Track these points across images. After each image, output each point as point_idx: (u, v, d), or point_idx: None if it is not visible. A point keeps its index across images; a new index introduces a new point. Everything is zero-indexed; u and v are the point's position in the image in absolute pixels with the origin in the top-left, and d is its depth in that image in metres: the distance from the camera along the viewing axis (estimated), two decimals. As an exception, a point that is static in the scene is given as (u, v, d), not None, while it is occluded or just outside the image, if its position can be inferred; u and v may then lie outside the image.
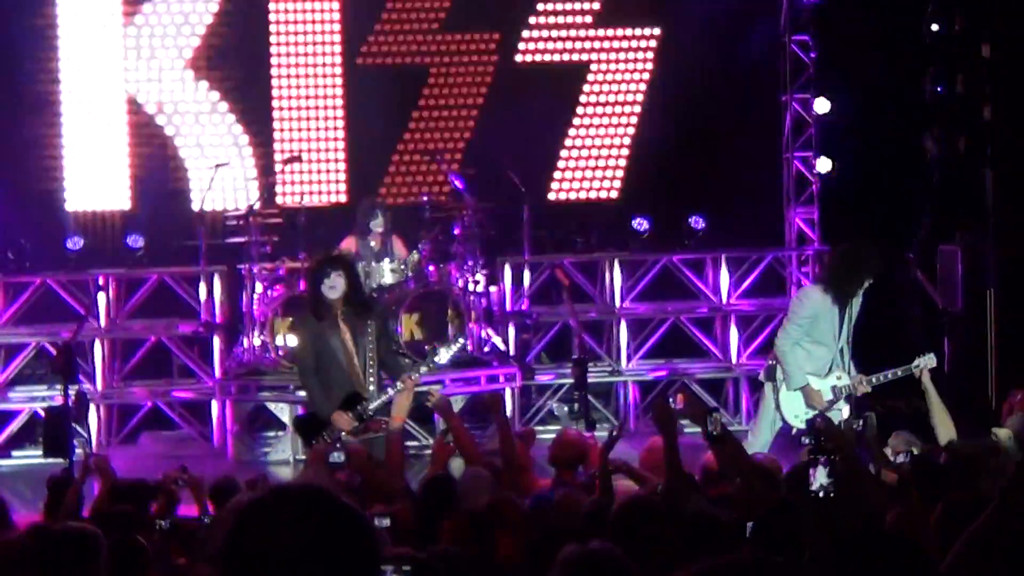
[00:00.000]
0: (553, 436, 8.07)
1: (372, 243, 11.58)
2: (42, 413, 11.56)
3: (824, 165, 13.42)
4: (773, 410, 8.63)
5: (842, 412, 8.48)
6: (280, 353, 11.52)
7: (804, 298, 8.78)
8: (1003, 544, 4.04)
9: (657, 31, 13.62)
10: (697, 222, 13.04)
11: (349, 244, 11.56)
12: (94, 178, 13.33)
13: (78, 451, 10.14)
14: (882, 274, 8.70)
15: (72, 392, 10.71)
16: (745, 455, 6.51)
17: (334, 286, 7.80)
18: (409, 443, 10.63)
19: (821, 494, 5.48)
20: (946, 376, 11.61)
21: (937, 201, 12.53)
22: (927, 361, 8.52)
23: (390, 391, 7.74)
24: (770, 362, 8.77)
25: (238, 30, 13.33)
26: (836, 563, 3.55)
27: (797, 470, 6.08)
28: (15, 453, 11.95)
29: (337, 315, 7.88)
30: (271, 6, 13.36)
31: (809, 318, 8.52)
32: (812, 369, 8.50)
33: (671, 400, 6.97)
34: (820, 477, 5.52)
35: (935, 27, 12.10)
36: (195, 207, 13.12)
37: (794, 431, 8.53)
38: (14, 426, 11.95)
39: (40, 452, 11.61)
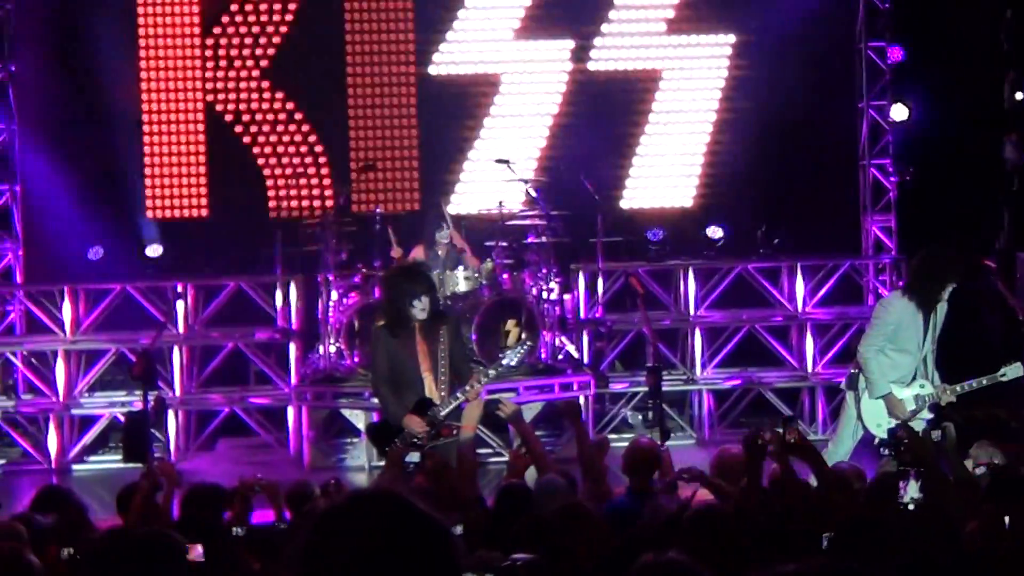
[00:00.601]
0: (626, 445, 8.02)
1: (440, 252, 11.64)
2: (122, 419, 11.70)
3: (902, 173, 13.26)
4: (855, 419, 8.50)
5: (923, 422, 8.37)
6: (355, 360, 11.57)
7: (887, 305, 8.65)
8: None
9: (731, 38, 13.55)
10: (772, 230, 12.96)
11: (418, 252, 11.62)
12: (173, 186, 13.51)
13: (157, 456, 10.26)
14: (964, 280, 8.54)
15: (151, 398, 10.83)
16: (824, 464, 6.43)
17: (424, 308, 7.84)
18: (482, 450, 10.66)
19: (911, 507, 5.40)
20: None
21: (1016, 208, 12.35)
22: (1014, 370, 8.38)
23: (460, 396, 7.76)
24: (852, 370, 8.64)
25: (314, 40, 13.46)
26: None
27: (879, 481, 6.00)
28: (94, 458, 12.10)
29: (415, 324, 7.91)
30: (346, 16, 13.47)
31: (893, 325, 8.38)
32: (895, 377, 8.36)
33: (783, 433, 6.77)
34: (912, 490, 5.44)
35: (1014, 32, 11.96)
36: (272, 215, 13.25)
37: (876, 440, 8.41)
38: (94, 432, 12.08)
39: (118, 457, 11.80)
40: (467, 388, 7.68)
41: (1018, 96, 12.22)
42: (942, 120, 12.99)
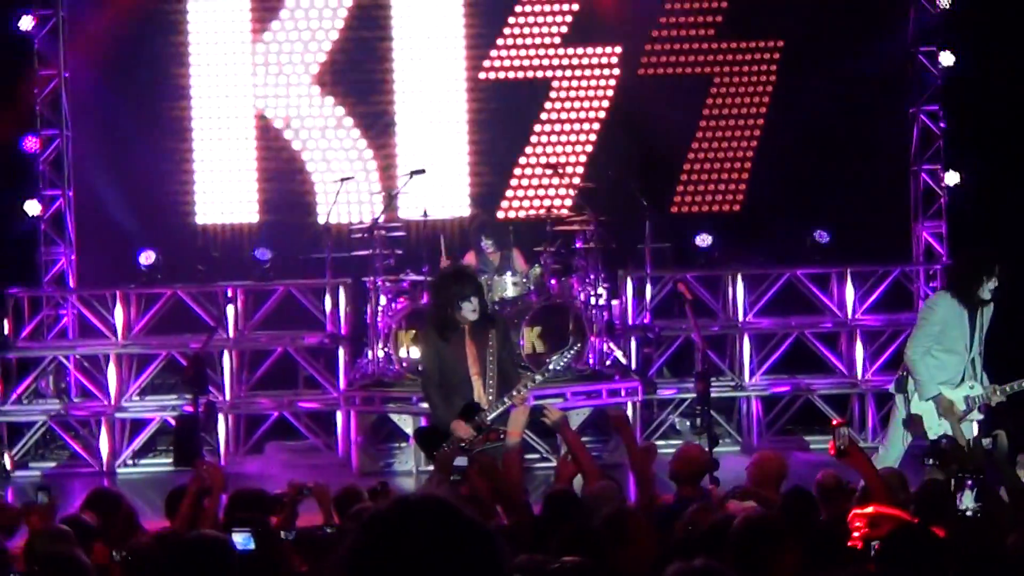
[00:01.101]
0: (674, 451, 8.00)
1: (489, 258, 11.68)
2: (172, 422, 11.78)
3: (952, 178, 13.18)
4: (902, 422, 8.44)
5: (974, 423, 8.30)
6: (404, 365, 11.61)
7: (932, 305, 8.58)
8: None
9: (780, 43, 13.50)
10: (822, 236, 12.88)
11: (470, 259, 11.69)
12: (223, 192, 13.60)
13: (207, 458, 10.29)
14: (1004, 275, 8.43)
15: (202, 402, 10.90)
16: (874, 471, 6.39)
17: (475, 309, 7.84)
18: (529, 456, 10.67)
19: (969, 514, 5.35)
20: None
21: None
22: None
23: (507, 401, 7.75)
24: (901, 373, 8.58)
25: (363, 45, 13.51)
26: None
27: (926, 489, 5.95)
28: (144, 461, 12.20)
29: (464, 327, 7.92)
30: (395, 22, 13.51)
31: (939, 325, 8.32)
32: (944, 378, 8.28)
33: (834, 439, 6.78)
34: (967, 499, 5.39)
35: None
36: (321, 220, 13.31)
37: (922, 452, 8.34)
38: (144, 435, 12.17)
39: (168, 460, 11.88)
40: (514, 393, 7.67)
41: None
42: (993, 125, 12.86)
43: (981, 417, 8.32)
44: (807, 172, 13.21)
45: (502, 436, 7.75)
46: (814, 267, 12.75)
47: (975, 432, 8.22)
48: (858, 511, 5.62)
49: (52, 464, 12.20)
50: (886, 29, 13.34)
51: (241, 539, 5.61)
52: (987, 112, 12.89)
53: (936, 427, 8.21)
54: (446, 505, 2.15)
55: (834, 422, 6.44)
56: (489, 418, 7.74)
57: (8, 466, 11.78)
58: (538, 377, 7.97)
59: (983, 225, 12.87)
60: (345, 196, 13.36)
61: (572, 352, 8.70)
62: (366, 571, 2.12)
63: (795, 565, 4.54)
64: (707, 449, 8.61)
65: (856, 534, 5.30)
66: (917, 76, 13.33)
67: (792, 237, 13.03)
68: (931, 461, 6.78)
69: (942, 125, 13.27)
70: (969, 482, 5.46)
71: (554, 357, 8.21)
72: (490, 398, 7.81)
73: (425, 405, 10.84)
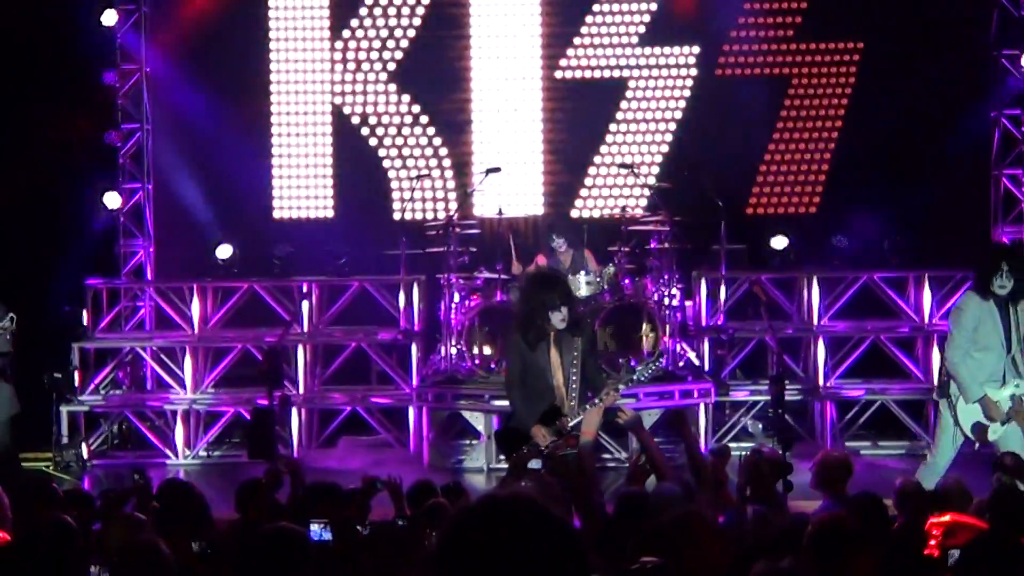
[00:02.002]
0: (745, 453, 7.95)
1: (561, 258, 11.71)
2: (246, 415, 11.90)
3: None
4: (952, 426, 8.39)
5: (1020, 418, 8.21)
6: (476, 362, 11.65)
7: (962, 306, 8.55)
8: None
9: (860, 45, 13.40)
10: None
11: (541, 260, 11.72)
12: (300, 188, 13.72)
13: (281, 451, 10.38)
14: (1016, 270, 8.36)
15: (276, 396, 11.00)
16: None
17: (564, 318, 7.85)
18: (603, 455, 10.68)
19: None
20: None
21: None
22: None
23: (590, 408, 7.74)
24: (943, 379, 8.55)
25: (440, 43, 13.56)
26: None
27: (1002, 498, 5.90)
28: (217, 453, 12.33)
29: (551, 334, 7.91)
30: (473, 20, 13.56)
31: (972, 324, 8.30)
32: (985, 377, 8.25)
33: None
34: None
35: None
36: (396, 216, 13.40)
37: (976, 446, 8.31)
38: (219, 427, 12.30)
39: (238, 452, 11.98)
40: (597, 401, 7.68)
41: None
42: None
43: None
44: (885, 175, 13.11)
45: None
46: (891, 271, 12.63)
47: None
48: (935, 519, 5.59)
49: (127, 454, 12.32)
50: (968, 31, 13.19)
51: (318, 531, 5.69)
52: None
53: (993, 429, 8.19)
54: (534, 504, 2.18)
55: None
56: (570, 424, 7.74)
57: (85, 454, 11.97)
58: (621, 386, 7.96)
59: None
60: (420, 193, 13.45)
61: (657, 364, 8.75)
62: (456, 566, 2.15)
63: (871, 569, 4.52)
64: (781, 453, 8.56)
65: (933, 542, 5.28)
66: (999, 79, 13.18)
67: (870, 240, 12.92)
68: (1001, 477, 6.74)
69: (1024, 129, 13.11)
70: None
71: (639, 368, 8.24)
72: (572, 404, 7.81)
73: (497, 403, 10.93)
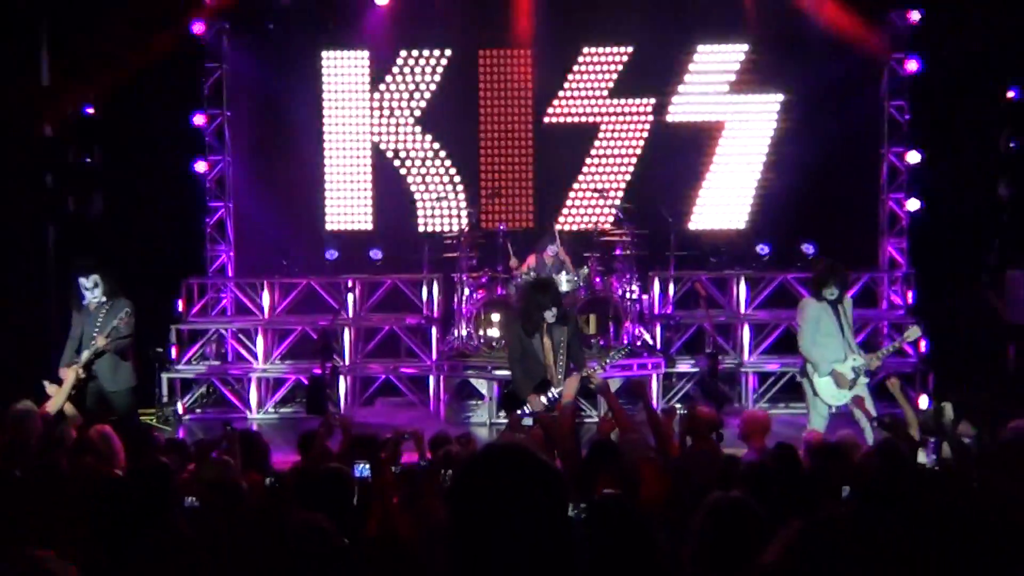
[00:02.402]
0: (685, 412, 7.96)
1: (547, 261, 11.71)
2: (305, 381, 11.91)
3: (913, 205, 13.06)
4: (813, 396, 8.54)
5: (860, 383, 8.41)
6: (482, 341, 11.66)
7: (804, 307, 8.68)
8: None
9: (781, 96, 13.41)
10: (808, 248, 12.80)
11: (531, 260, 11.71)
12: (346, 206, 13.71)
13: (332, 409, 10.38)
14: (843, 285, 8.54)
15: (328, 367, 11.02)
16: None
17: (554, 316, 7.94)
18: (581, 413, 10.68)
19: (930, 465, 5.35)
20: (1011, 376, 11.18)
21: (1007, 235, 12.06)
22: (911, 333, 8.61)
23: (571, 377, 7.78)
24: (802, 363, 8.66)
25: (455, 95, 13.53)
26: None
27: (885, 446, 5.93)
28: (283, 410, 12.31)
29: (543, 327, 7.99)
30: (480, 77, 13.55)
31: (813, 319, 8.47)
32: (832, 357, 8.43)
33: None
34: (925, 456, 5.40)
35: (1010, 94, 11.69)
36: (420, 229, 13.39)
37: (833, 408, 8.43)
38: (283, 391, 12.32)
39: (299, 410, 11.99)
40: (578, 373, 7.72)
41: (1011, 144, 11.91)
42: (949, 164, 12.72)
43: (868, 380, 8.50)
44: (798, 198, 13.11)
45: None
46: (800, 272, 12.66)
47: (867, 395, 8.38)
48: None
49: (212, 411, 12.35)
50: (865, 86, 13.20)
51: (360, 469, 5.72)
52: (943, 153, 12.75)
53: (836, 393, 8.36)
54: (526, 451, 2.20)
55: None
56: (557, 393, 7.79)
57: (180, 411, 11.98)
58: (599, 368, 8.01)
59: (934, 242, 12.76)
60: (439, 211, 13.44)
61: (626, 350, 8.82)
62: (465, 499, 2.16)
63: (783, 499, 4.55)
64: (715, 411, 8.59)
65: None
66: (888, 123, 13.20)
67: (785, 248, 12.95)
68: (885, 432, 6.79)
69: (906, 163, 13.13)
70: (931, 444, 5.45)
71: (612, 353, 8.30)
72: (560, 378, 7.87)
73: (498, 373, 10.96)
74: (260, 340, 12.44)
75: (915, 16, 12.71)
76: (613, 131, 13.55)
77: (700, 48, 13.30)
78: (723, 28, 13.15)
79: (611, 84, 13.47)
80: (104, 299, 8.60)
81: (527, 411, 7.82)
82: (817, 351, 8.45)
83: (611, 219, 13.17)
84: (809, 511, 4.07)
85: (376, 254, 13.05)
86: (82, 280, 8.63)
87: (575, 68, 13.48)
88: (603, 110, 13.51)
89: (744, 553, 3.29)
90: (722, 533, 3.47)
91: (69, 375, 8.27)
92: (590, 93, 13.50)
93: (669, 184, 13.20)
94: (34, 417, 6.92)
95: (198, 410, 12.32)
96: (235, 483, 4.87)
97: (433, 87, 13.51)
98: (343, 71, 13.55)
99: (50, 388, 8.24)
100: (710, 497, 3.60)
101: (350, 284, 12.49)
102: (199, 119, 13.17)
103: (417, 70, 13.51)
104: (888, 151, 13.23)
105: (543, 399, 7.83)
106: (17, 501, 4.07)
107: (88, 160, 11.98)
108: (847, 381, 8.40)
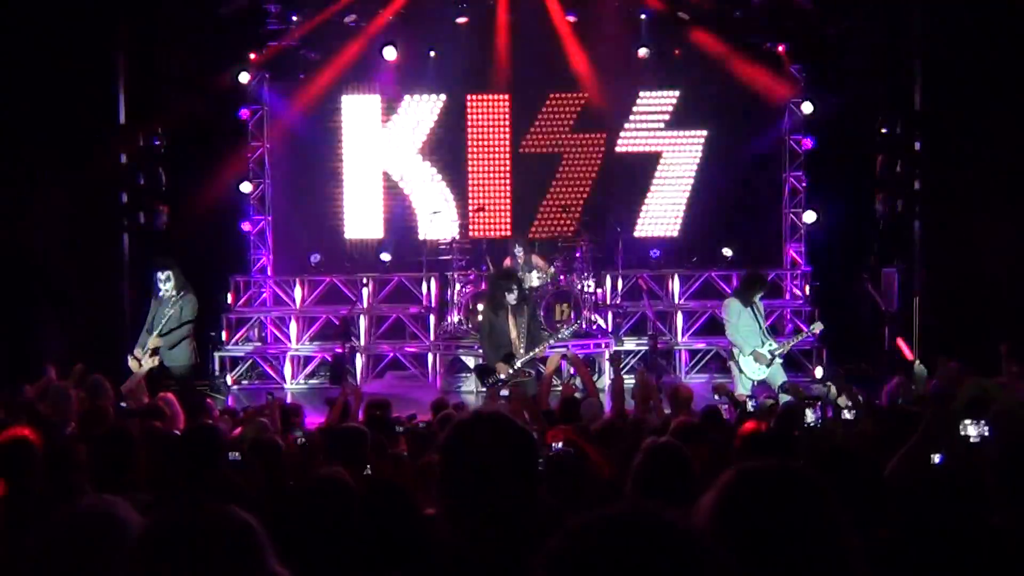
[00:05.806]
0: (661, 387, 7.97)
1: (520, 261, 11.69)
2: (329, 358, 11.85)
3: (809, 217, 13.10)
4: (740, 374, 8.71)
5: (778, 364, 8.64)
6: (470, 327, 11.62)
7: (728, 305, 8.92)
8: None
9: (705, 132, 13.42)
10: (727, 251, 12.83)
11: (508, 261, 11.67)
12: (362, 218, 13.63)
13: (350, 380, 10.34)
14: (766, 287, 8.87)
15: (347, 346, 10.95)
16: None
17: (515, 297, 7.93)
18: (553, 384, 10.62)
19: (814, 425, 5.36)
20: (885, 351, 11.25)
21: (883, 241, 12.15)
22: (815, 327, 8.98)
23: (530, 353, 7.76)
24: (731, 349, 8.89)
25: (449, 130, 13.49)
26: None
27: (787, 410, 5.93)
28: (311, 381, 12.25)
29: (508, 306, 7.97)
30: (468, 116, 13.49)
31: (736, 314, 8.71)
32: (753, 343, 8.70)
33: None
34: (809, 416, 5.41)
35: (884, 130, 11.77)
36: (420, 237, 13.34)
37: (755, 383, 8.54)
38: (312, 366, 12.24)
39: (324, 382, 11.94)
40: (536, 350, 7.71)
41: (885, 169, 11.96)
42: (836, 184, 12.78)
43: (781, 361, 8.72)
44: (719, 211, 13.14)
45: (529, 374, 7.80)
46: (722, 270, 12.71)
47: (782, 372, 8.60)
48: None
49: (255, 383, 12.29)
50: (770, 124, 13.24)
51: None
52: (834, 176, 12.80)
53: (757, 371, 8.60)
54: (504, 417, 2.19)
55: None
56: (519, 363, 7.79)
57: (229, 383, 11.90)
58: (551, 340, 8.03)
59: (826, 246, 12.83)
60: (435, 223, 13.40)
61: (575, 326, 8.85)
62: (454, 454, 2.15)
63: (707, 454, 4.53)
64: (655, 382, 8.59)
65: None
66: (788, 152, 13.24)
67: (710, 252, 12.98)
68: (786, 395, 6.82)
69: (803, 184, 13.17)
70: (815, 406, 5.45)
71: (562, 328, 8.30)
72: (521, 350, 7.86)
73: (481, 350, 10.91)
74: (293, 326, 12.38)
75: (807, 107, 12.72)
76: (574, 159, 13.52)
77: (642, 94, 13.30)
78: (660, 79, 13.18)
79: (572, 122, 13.45)
80: (175, 293, 8.50)
81: (501, 378, 7.81)
82: (741, 338, 8.70)
83: (572, 229, 13.17)
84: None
85: (385, 257, 12.99)
86: (158, 274, 8.54)
87: (543, 109, 13.45)
88: (566, 143, 13.48)
89: (674, 491, 3.19)
90: (656, 471, 3.38)
91: (146, 361, 8.20)
92: (555, 129, 13.48)
93: (618, 201, 13.20)
94: (106, 387, 6.83)
95: (244, 382, 12.21)
96: (272, 440, 4.82)
97: (431, 124, 13.45)
98: (359, 111, 13.46)
99: (132, 363, 8.16)
100: (645, 444, 3.54)
101: (364, 281, 12.45)
102: (245, 149, 13.09)
103: (418, 111, 13.43)
104: (789, 175, 13.27)
105: (509, 369, 7.85)
106: (95, 457, 4.01)
107: (155, 182, 11.88)
108: (766, 359, 8.65)
